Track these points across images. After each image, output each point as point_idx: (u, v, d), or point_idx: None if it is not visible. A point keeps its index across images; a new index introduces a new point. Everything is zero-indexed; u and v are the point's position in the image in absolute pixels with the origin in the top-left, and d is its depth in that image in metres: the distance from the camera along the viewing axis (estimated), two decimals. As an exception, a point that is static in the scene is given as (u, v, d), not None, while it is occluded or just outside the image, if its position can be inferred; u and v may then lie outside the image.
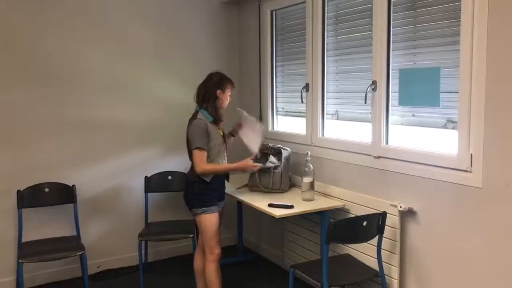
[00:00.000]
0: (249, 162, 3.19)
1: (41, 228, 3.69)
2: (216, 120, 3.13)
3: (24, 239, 3.52)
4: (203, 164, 3.02)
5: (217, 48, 4.41)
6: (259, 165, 3.26)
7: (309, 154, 3.29)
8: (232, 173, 3.31)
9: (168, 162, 4.18)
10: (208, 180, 3.08)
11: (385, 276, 2.84)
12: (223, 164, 3.17)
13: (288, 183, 3.54)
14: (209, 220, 3.08)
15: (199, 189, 3.08)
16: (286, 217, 3.18)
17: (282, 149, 3.56)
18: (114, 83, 3.93)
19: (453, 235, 2.56)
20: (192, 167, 3.12)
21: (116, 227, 4.06)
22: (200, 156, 3.01)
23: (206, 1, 4.30)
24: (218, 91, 3.12)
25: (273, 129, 4.16)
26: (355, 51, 3.21)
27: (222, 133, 3.19)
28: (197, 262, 3.30)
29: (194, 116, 3.11)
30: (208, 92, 3.11)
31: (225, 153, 3.21)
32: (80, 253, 3.31)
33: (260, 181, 3.50)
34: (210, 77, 3.18)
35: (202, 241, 3.23)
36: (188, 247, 4.09)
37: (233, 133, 3.42)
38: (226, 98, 3.18)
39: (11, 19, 3.52)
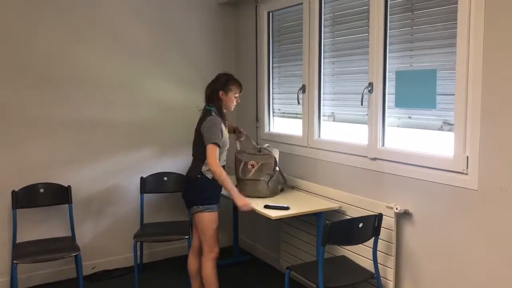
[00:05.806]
0: (247, 201, 3.02)
1: (36, 228, 3.67)
2: (222, 121, 3.12)
3: (18, 240, 3.50)
4: (216, 161, 2.95)
5: (214, 49, 4.40)
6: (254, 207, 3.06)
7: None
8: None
9: (164, 163, 4.17)
10: (210, 177, 3.05)
11: (381, 278, 2.84)
12: (228, 180, 2.98)
13: (278, 186, 3.49)
14: (210, 218, 3.06)
15: (201, 186, 3.06)
16: (282, 218, 3.17)
17: (268, 150, 3.47)
18: (110, 83, 3.92)
19: (449, 237, 2.56)
20: (194, 164, 3.10)
21: (111, 228, 4.04)
22: (215, 152, 2.95)
23: (203, 1, 4.29)
24: (221, 92, 3.11)
25: (269, 130, 4.15)
26: (351, 53, 3.21)
27: (228, 133, 3.19)
28: (192, 264, 3.27)
29: (207, 113, 3.08)
30: (213, 93, 3.12)
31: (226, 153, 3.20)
32: (75, 254, 3.29)
33: (248, 192, 3.36)
34: (218, 77, 3.18)
35: (197, 242, 3.22)
36: (184, 248, 4.08)
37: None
38: (231, 100, 3.15)
39: (5, 18, 3.50)
